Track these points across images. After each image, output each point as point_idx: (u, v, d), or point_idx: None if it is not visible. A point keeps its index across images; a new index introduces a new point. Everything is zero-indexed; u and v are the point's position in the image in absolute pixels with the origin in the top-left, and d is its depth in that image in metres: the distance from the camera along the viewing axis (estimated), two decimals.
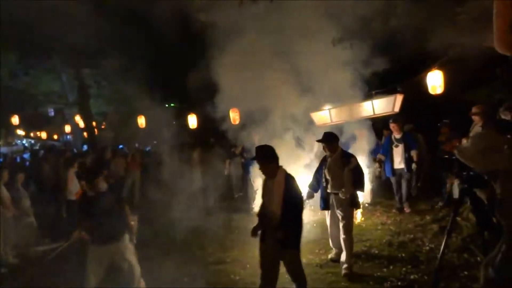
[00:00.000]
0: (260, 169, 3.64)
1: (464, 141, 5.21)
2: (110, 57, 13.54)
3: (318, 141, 5.07)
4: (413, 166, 6.98)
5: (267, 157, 3.61)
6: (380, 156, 7.46)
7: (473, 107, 6.46)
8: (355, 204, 4.75)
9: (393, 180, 7.25)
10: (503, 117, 4.08)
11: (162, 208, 7.15)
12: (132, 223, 4.36)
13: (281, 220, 3.43)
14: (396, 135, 7.17)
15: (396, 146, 7.13)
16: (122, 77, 15.12)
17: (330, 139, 4.81)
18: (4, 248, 6.38)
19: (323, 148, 5.00)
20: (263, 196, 3.75)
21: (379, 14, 6.23)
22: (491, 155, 2.24)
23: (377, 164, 7.64)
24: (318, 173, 5.03)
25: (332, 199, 4.81)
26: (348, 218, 4.70)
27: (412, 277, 4.30)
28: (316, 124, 8.26)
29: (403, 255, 4.97)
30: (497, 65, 6.94)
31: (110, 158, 10.23)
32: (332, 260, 5.02)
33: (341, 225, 4.69)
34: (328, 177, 4.81)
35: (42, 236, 7.69)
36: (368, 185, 7.65)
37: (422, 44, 7.40)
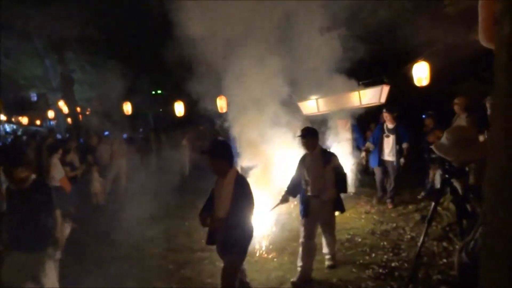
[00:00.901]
0: (209, 165, 3.33)
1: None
2: (95, 41, 13.24)
3: (299, 136, 4.47)
4: (401, 160, 6.76)
5: (218, 154, 3.31)
6: (369, 144, 7.24)
7: (455, 98, 6.59)
8: (337, 207, 4.34)
9: (377, 170, 7.06)
10: (489, 108, 4.17)
11: (147, 198, 7.12)
12: (59, 235, 3.52)
13: (225, 224, 3.20)
14: (389, 124, 6.89)
15: (387, 136, 6.86)
16: (108, 63, 14.83)
17: (310, 134, 4.29)
18: None
19: (302, 145, 4.41)
20: (212, 196, 3.47)
21: (367, 5, 6.22)
22: (466, 148, 2.31)
23: (363, 153, 7.50)
24: (296, 174, 4.45)
25: (312, 203, 4.24)
26: (331, 224, 4.40)
27: (393, 264, 4.41)
28: (303, 113, 8.29)
29: (385, 243, 5.09)
30: (483, 58, 7.06)
31: (96, 144, 10.09)
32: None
33: (323, 230, 4.38)
34: (307, 178, 4.27)
35: None
36: (352, 174, 7.71)
37: (409, 36, 7.46)
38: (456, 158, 2.37)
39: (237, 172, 3.40)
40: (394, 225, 5.78)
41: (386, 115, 6.87)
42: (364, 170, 8.49)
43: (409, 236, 5.27)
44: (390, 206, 6.73)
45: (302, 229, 4.25)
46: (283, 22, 5.99)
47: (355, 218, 6.34)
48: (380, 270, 4.27)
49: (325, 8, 5.85)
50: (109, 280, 4.76)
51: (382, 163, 6.92)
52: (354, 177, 7.77)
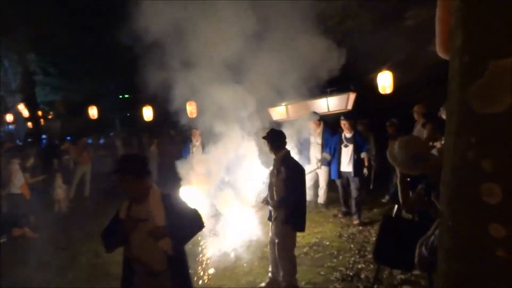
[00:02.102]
0: (122, 189, 2.48)
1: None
2: (59, 42, 12.79)
3: (264, 138, 4.13)
4: (364, 171, 6.43)
5: (136, 171, 2.44)
6: (325, 155, 6.85)
7: (415, 106, 6.94)
8: (288, 222, 3.84)
9: (338, 183, 6.65)
10: (442, 116, 4.41)
11: (110, 202, 6.92)
12: None
13: (166, 272, 2.42)
14: (347, 133, 6.52)
15: (346, 146, 6.48)
16: (72, 65, 14.34)
17: (270, 136, 3.99)
18: None
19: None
20: (127, 233, 2.47)
21: (333, 16, 6.43)
22: (417, 161, 2.45)
23: (318, 163, 7.07)
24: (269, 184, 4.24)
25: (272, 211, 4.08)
26: (281, 238, 3.90)
27: (359, 266, 4.55)
28: (273, 119, 8.40)
29: (352, 245, 5.24)
30: (441, 68, 7.47)
31: (61, 149, 9.76)
32: None
33: (276, 241, 4.01)
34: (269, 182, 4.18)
35: None
36: (324, 184, 7.31)
37: (374, 46, 7.78)
38: (407, 170, 2.50)
39: (160, 191, 2.57)
40: (360, 228, 5.96)
41: (343, 123, 6.48)
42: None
43: (374, 238, 5.45)
44: (355, 222, 6.16)
45: (270, 233, 4.16)
46: (252, 29, 6.06)
47: (323, 221, 6.48)
48: (347, 272, 4.40)
49: (293, 17, 5.97)
50: None
51: (341, 174, 6.54)
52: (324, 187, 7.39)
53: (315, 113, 7.29)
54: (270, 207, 4.05)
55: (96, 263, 5.51)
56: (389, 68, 7.40)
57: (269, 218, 4.11)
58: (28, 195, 7.28)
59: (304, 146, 7.33)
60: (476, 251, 0.93)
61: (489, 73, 0.91)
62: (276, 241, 3.94)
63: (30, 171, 7.86)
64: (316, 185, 7.48)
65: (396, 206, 2.89)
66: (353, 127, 6.52)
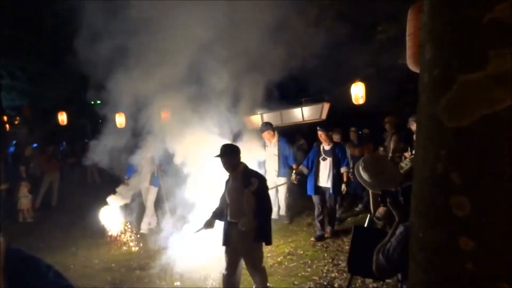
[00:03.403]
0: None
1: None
2: (27, 46, 12.33)
3: (216, 156, 3.82)
4: (343, 187, 5.93)
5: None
6: (302, 168, 6.19)
7: (386, 117, 7.14)
8: (260, 237, 3.68)
9: (315, 199, 5.99)
10: (411, 127, 4.54)
11: (79, 213, 6.71)
12: None
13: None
14: (325, 146, 5.92)
15: (324, 159, 5.90)
16: (41, 69, 13.85)
17: (227, 153, 3.72)
18: None
19: (223, 166, 3.83)
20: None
21: (307, 29, 6.52)
22: (381, 176, 2.51)
23: (294, 176, 6.41)
24: (222, 196, 3.93)
25: (232, 231, 3.71)
26: (252, 254, 3.71)
27: (333, 275, 4.57)
28: (248, 127, 8.39)
29: (326, 254, 5.27)
30: (410, 81, 7.74)
31: (29, 156, 9.34)
32: None
33: (245, 264, 3.77)
34: (227, 201, 3.78)
35: None
36: (283, 196, 6.87)
37: (348, 58, 7.96)
38: (374, 189, 2.55)
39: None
40: (334, 237, 6.00)
41: (320, 134, 5.87)
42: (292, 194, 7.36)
43: (347, 247, 5.50)
44: (327, 234, 5.91)
45: (224, 259, 3.80)
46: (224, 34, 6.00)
47: (297, 230, 6.48)
48: (321, 281, 4.40)
49: (268, 27, 5.99)
50: None
51: (318, 190, 5.93)
52: (285, 199, 6.91)
53: (267, 123, 6.96)
54: (235, 226, 3.64)
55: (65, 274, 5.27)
56: (361, 80, 7.59)
57: (225, 243, 3.73)
58: None
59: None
60: (446, 263, 0.93)
61: (458, 87, 0.93)
62: (247, 259, 3.72)
63: None
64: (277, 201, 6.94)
65: (369, 215, 2.92)
66: (331, 139, 6.03)
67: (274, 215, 6.59)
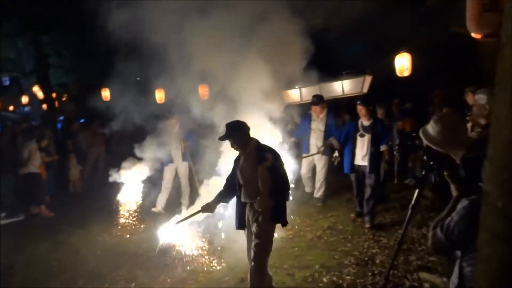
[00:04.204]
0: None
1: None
2: (72, 24, 12.73)
3: (220, 139, 3.62)
4: (383, 166, 5.65)
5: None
6: (332, 140, 5.89)
7: (435, 90, 6.73)
8: (277, 218, 3.43)
9: (352, 178, 5.64)
10: (467, 99, 4.24)
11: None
12: None
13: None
14: (364, 121, 5.44)
15: (362, 135, 5.42)
16: (86, 47, 14.32)
17: (233, 133, 3.43)
18: None
19: (232, 147, 3.52)
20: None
21: None
22: (450, 135, 2.32)
23: (321, 148, 6.10)
24: (231, 177, 3.66)
25: (247, 212, 3.51)
26: (264, 238, 3.37)
27: (374, 251, 4.49)
28: (286, 102, 8.27)
29: (366, 230, 5.17)
30: (463, 50, 7.20)
31: (76, 131, 9.84)
32: None
33: (252, 244, 3.40)
34: (240, 181, 3.50)
35: None
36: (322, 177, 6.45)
37: (392, 27, 7.52)
38: (441, 147, 2.38)
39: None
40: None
41: (360, 109, 5.40)
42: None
43: (388, 222, 5.38)
44: (367, 225, 5.29)
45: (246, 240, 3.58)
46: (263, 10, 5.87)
47: (336, 205, 6.41)
48: (362, 257, 4.34)
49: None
50: (86, 267, 4.70)
51: (355, 169, 5.54)
52: (324, 180, 6.49)
53: (319, 96, 6.57)
54: (250, 206, 3.42)
55: (109, 242, 5.62)
56: (407, 50, 7.16)
57: (241, 226, 3.54)
58: (44, 175, 7.40)
59: (300, 133, 6.58)
60: None
61: None
62: (255, 242, 3.36)
63: (46, 152, 7.96)
64: (313, 177, 6.67)
65: (416, 191, 2.79)
66: (371, 114, 5.48)
67: (308, 190, 6.67)
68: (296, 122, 7.28)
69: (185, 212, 4.94)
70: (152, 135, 6.49)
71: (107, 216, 6.29)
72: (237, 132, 3.42)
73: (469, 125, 3.12)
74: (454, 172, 1.83)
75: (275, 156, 3.41)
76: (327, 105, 6.57)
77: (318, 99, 6.39)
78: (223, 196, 3.64)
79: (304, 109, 6.97)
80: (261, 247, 3.35)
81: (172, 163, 6.75)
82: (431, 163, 2.59)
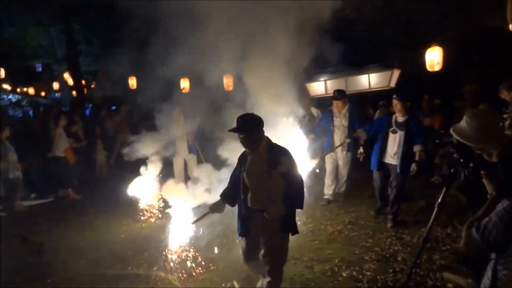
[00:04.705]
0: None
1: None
2: (100, 13, 13.01)
3: (231, 130, 2.98)
4: (413, 167, 5.28)
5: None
6: (361, 132, 5.54)
7: (466, 85, 6.47)
8: (289, 228, 3.06)
9: (376, 175, 5.35)
10: (501, 96, 4.07)
11: None
12: None
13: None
14: (399, 116, 5.01)
15: (394, 131, 5.03)
16: (113, 35, 14.62)
17: (248, 128, 2.93)
18: None
19: (240, 142, 3.05)
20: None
21: None
22: (486, 131, 2.23)
23: (360, 151, 5.83)
24: (234, 176, 3.22)
25: (253, 218, 3.06)
26: (279, 250, 3.04)
27: (396, 247, 4.42)
28: (310, 95, 8.20)
29: (388, 227, 5.08)
30: (497, 43, 6.89)
31: (103, 117, 10.12)
32: None
33: (262, 253, 3.03)
34: (247, 184, 3.05)
35: (28, 191, 7.73)
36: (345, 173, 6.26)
37: (423, 19, 7.27)
38: (473, 142, 2.29)
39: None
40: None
41: (395, 103, 4.99)
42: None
43: (411, 221, 5.27)
44: (389, 224, 5.10)
45: (240, 251, 3.25)
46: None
47: (358, 201, 6.32)
48: (383, 253, 4.28)
49: None
50: (110, 250, 4.86)
51: (382, 166, 5.21)
52: (347, 176, 6.32)
53: (341, 91, 6.26)
54: (258, 214, 2.98)
55: (133, 226, 5.78)
56: (439, 44, 6.90)
57: (244, 233, 3.15)
58: (72, 159, 7.67)
59: (320, 131, 6.26)
60: None
61: None
62: (268, 251, 3.00)
63: (74, 137, 8.23)
64: (336, 177, 6.36)
65: (444, 189, 2.70)
66: (407, 110, 5.02)
67: (328, 196, 6.26)
68: (312, 114, 7.18)
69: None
70: (161, 126, 6.32)
71: (131, 201, 6.45)
72: (253, 127, 2.95)
73: (507, 123, 2.99)
74: (492, 171, 1.76)
75: (291, 160, 3.00)
76: (348, 100, 6.24)
77: (340, 94, 6.10)
78: (228, 197, 3.23)
79: (323, 103, 6.83)
80: (278, 259, 3.06)
81: (178, 155, 6.65)
82: (461, 160, 2.51)
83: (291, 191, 2.97)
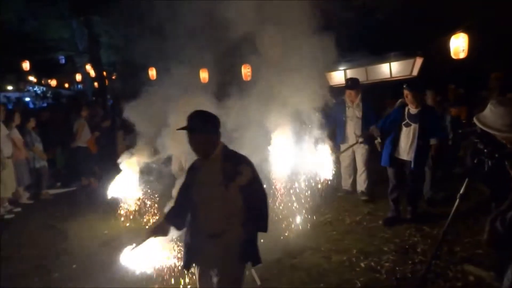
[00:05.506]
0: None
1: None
2: (119, 5, 13.15)
3: (181, 129, 2.33)
4: (429, 163, 5.07)
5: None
6: (373, 129, 5.09)
7: (492, 74, 6.23)
8: (249, 256, 2.43)
9: (389, 172, 4.94)
10: None
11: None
12: None
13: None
14: (412, 108, 4.67)
15: (407, 125, 4.68)
16: (132, 27, 14.79)
17: (203, 126, 2.31)
18: (18, 189, 6.63)
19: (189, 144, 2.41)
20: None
21: None
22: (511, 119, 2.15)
23: (360, 139, 5.54)
24: (182, 192, 2.56)
25: (204, 245, 2.36)
26: (232, 284, 2.37)
27: (415, 239, 4.36)
28: (330, 84, 8.08)
29: (408, 218, 5.01)
30: None
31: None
32: None
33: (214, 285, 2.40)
34: (197, 201, 2.41)
35: (54, 180, 8.00)
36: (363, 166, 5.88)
37: (447, 6, 7.01)
38: (498, 131, 2.22)
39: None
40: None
41: (406, 94, 4.63)
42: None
43: (432, 212, 5.18)
44: (408, 216, 4.93)
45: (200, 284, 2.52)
46: None
47: (377, 192, 6.20)
48: (403, 244, 4.24)
49: None
50: (133, 238, 4.97)
51: (395, 162, 4.84)
52: (365, 170, 5.97)
53: (355, 79, 6.02)
54: (211, 240, 2.34)
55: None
56: (464, 30, 6.65)
57: (188, 264, 2.49)
58: (94, 149, 7.87)
59: (333, 122, 5.96)
60: None
61: None
62: (222, 283, 2.35)
63: (97, 128, 8.42)
64: (354, 170, 6.10)
65: (466, 180, 2.64)
66: (420, 101, 4.68)
67: (346, 187, 6.09)
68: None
69: None
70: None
71: (150, 190, 6.57)
72: (209, 126, 2.33)
73: None
74: None
75: (252, 169, 2.38)
76: (361, 90, 5.93)
77: (353, 83, 5.83)
78: (173, 217, 2.55)
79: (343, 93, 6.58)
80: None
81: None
82: (485, 150, 2.44)
83: (253, 210, 2.37)
